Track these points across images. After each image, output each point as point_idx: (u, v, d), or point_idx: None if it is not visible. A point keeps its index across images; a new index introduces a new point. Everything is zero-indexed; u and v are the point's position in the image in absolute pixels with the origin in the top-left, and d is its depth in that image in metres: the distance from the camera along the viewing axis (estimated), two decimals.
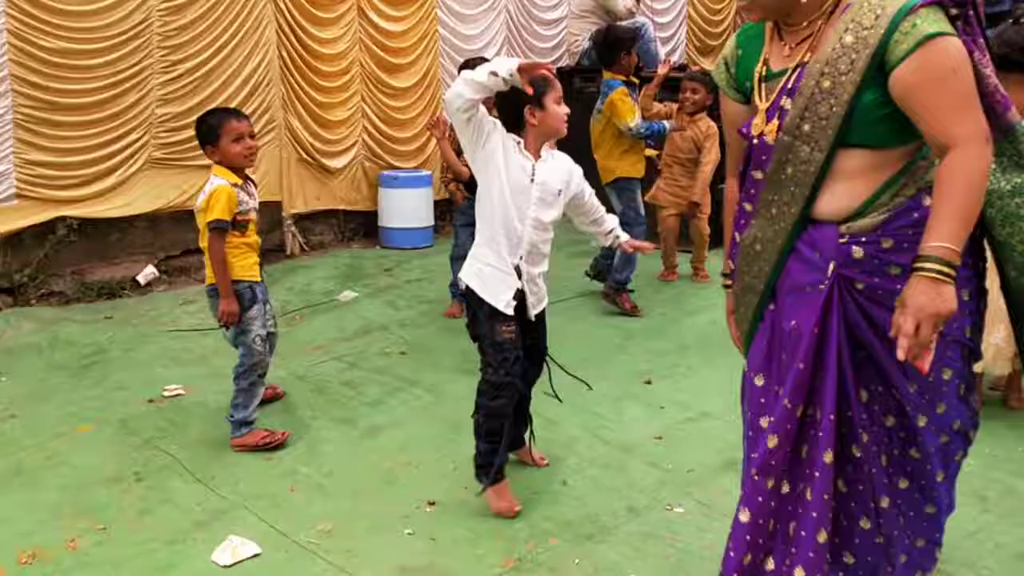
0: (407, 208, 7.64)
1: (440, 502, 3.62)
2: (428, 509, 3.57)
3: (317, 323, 5.82)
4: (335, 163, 7.43)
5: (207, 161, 4.30)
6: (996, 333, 4.11)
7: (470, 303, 3.55)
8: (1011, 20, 4.05)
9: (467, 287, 3.51)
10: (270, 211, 7.15)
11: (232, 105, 6.66)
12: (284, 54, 7.02)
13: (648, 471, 3.86)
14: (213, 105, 6.57)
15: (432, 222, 7.80)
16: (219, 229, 4.02)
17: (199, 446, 4.11)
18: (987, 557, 3.22)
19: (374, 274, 6.87)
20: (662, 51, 8.50)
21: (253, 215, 4.19)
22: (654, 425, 4.29)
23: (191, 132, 6.48)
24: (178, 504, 3.63)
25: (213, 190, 4.03)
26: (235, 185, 4.07)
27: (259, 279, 4.20)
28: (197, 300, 6.28)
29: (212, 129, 4.10)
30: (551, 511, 3.53)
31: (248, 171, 4.26)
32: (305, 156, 7.26)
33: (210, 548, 3.28)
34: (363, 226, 7.89)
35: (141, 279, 6.55)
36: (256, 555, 3.27)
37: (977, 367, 4.14)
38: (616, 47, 5.85)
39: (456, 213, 5.86)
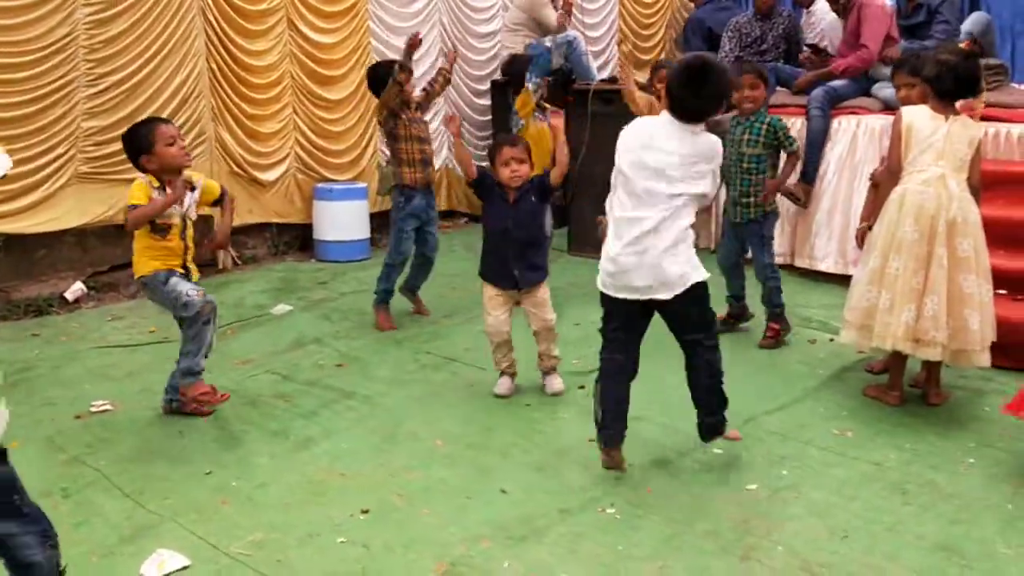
0: (343, 221, 7.61)
1: (373, 510, 3.62)
2: (361, 517, 3.57)
3: (250, 337, 5.77)
4: (267, 176, 7.38)
5: (135, 175, 4.30)
6: (907, 312, 4.24)
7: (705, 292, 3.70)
8: (965, 44, 4.34)
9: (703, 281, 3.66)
10: (202, 225, 7.03)
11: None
12: (213, 66, 6.96)
13: (581, 473, 3.90)
14: (143, 117, 6.51)
15: (368, 235, 7.78)
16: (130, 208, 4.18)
17: (127, 461, 4.05)
18: (908, 549, 3.31)
19: (309, 287, 6.83)
20: (593, 65, 8.59)
21: (176, 220, 4.23)
22: (589, 428, 4.32)
23: (119, 145, 6.43)
24: (106, 519, 3.57)
25: (132, 186, 4.22)
26: (155, 187, 4.21)
27: (177, 271, 4.36)
28: (126, 316, 6.20)
29: (144, 138, 4.15)
30: (485, 515, 3.55)
31: (191, 180, 4.34)
32: (236, 169, 7.21)
33: (138, 562, 3.24)
34: (297, 239, 7.84)
35: (69, 295, 6.44)
36: (185, 567, 3.24)
37: (888, 344, 4.30)
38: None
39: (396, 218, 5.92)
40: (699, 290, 3.67)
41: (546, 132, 6.03)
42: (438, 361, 5.25)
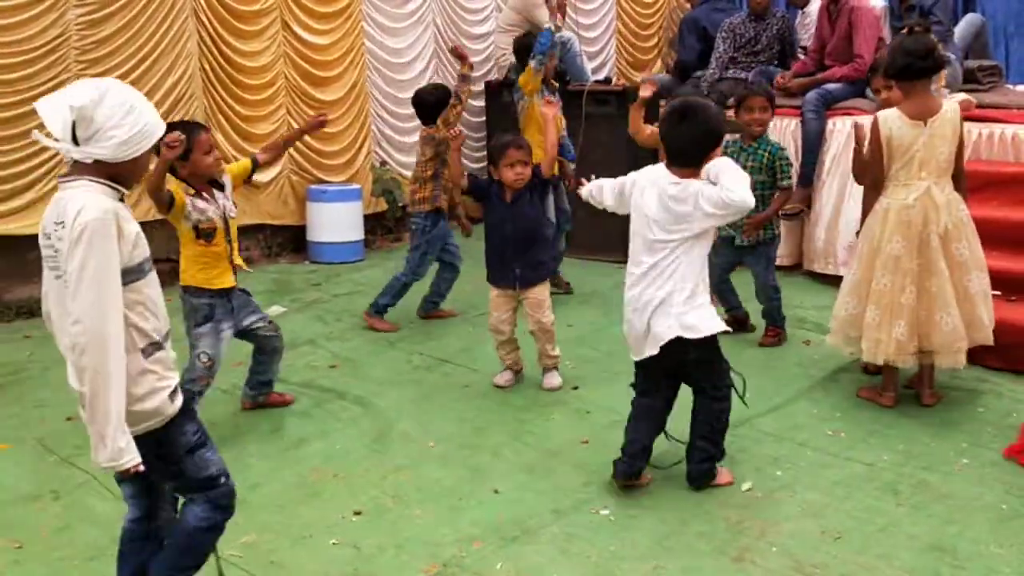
0: (337, 222, 7.58)
1: (366, 511, 3.61)
2: (353, 518, 3.56)
3: None
4: (261, 177, 7.33)
5: None
6: (897, 327, 4.23)
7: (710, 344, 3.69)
8: (905, 30, 4.23)
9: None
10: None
11: None
12: (206, 67, 6.94)
13: (574, 474, 3.89)
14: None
15: (362, 236, 7.76)
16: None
17: None
18: (901, 549, 3.31)
19: (302, 289, 6.81)
20: (588, 66, 8.58)
21: (219, 223, 4.17)
22: (581, 429, 4.33)
23: None
24: (96, 521, 3.56)
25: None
26: (189, 195, 4.10)
27: (227, 287, 4.24)
28: None
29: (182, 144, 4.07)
30: (478, 516, 3.54)
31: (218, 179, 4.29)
32: None
33: None
34: (291, 241, 7.82)
35: None
36: None
37: (881, 359, 4.30)
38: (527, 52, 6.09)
39: (415, 236, 5.85)
40: (705, 343, 3.65)
41: (534, 109, 5.98)
42: (431, 362, 5.24)
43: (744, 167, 5.27)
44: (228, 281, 4.25)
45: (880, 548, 3.31)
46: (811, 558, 3.24)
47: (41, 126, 2.52)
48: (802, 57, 7.39)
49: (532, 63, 5.91)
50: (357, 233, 7.71)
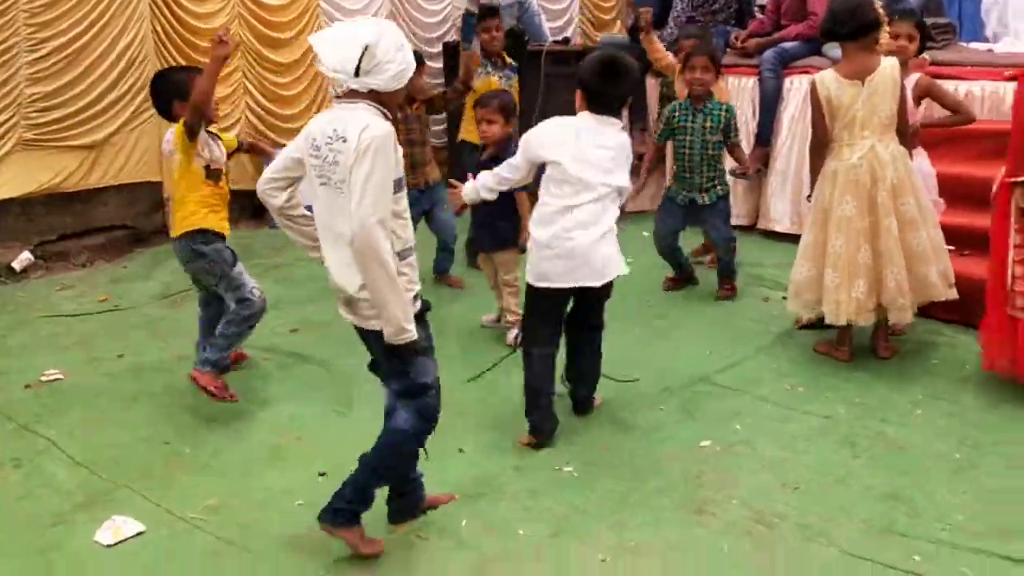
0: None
1: (331, 473, 3.60)
2: (319, 480, 3.57)
3: None
4: None
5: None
6: (856, 287, 4.30)
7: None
8: None
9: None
10: (152, 191, 6.97)
11: (106, 82, 6.49)
12: (159, 29, 6.81)
13: None
14: (88, 82, 6.39)
15: None
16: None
17: (79, 430, 4.01)
18: (858, 500, 3.38)
19: (264, 254, 6.74)
20: (546, 25, 8.51)
21: (224, 167, 4.25)
22: None
23: (65, 111, 6.34)
24: (58, 488, 3.54)
25: (174, 131, 4.08)
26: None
27: (227, 235, 4.32)
28: (76, 285, 6.10)
29: (180, 83, 4.09)
30: (443, 475, 3.56)
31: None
32: None
33: (93, 529, 3.24)
34: (250, 207, 7.73)
35: (16, 265, 6.30)
36: (140, 533, 3.24)
37: (843, 319, 4.37)
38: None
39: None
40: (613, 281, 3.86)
41: (494, 85, 5.97)
42: None
43: (703, 127, 5.35)
44: (228, 228, 4.33)
45: (838, 499, 3.38)
46: (771, 509, 3.31)
47: None
48: (760, 16, 7.40)
49: (464, 49, 5.96)
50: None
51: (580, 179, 3.66)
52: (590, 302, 3.90)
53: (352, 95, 2.89)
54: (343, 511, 3.04)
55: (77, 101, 6.41)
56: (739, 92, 6.92)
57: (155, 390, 4.42)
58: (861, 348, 4.61)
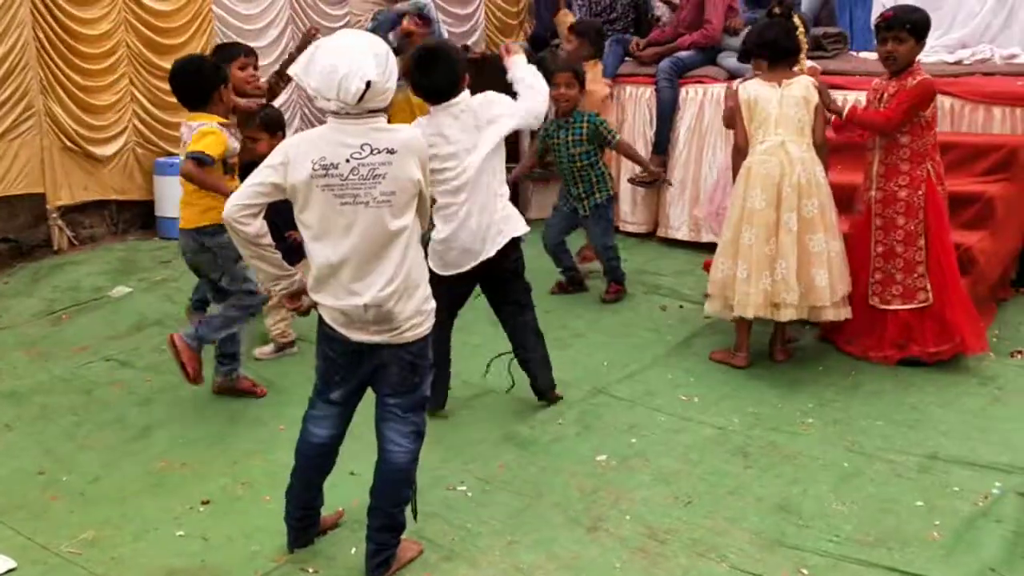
0: None
1: (214, 500, 3.49)
2: (201, 508, 3.44)
3: (85, 322, 5.47)
4: (103, 150, 6.99)
5: None
6: (764, 279, 4.35)
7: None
8: (769, 13, 4.42)
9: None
10: (32, 204, 6.68)
11: None
12: (40, 35, 6.52)
13: (431, 451, 3.80)
14: None
15: None
16: (199, 161, 3.92)
17: None
18: (749, 511, 3.39)
19: (150, 267, 6.51)
20: (445, 32, 8.44)
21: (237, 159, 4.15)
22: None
23: None
24: None
25: (207, 128, 3.97)
26: (223, 127, 4.07)
27: None
28: None
29: (217, 71, 4.13)
30: (332, 499, 3.43)
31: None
32: (69, 144, 6.79)
33: None
34: (139, 217, 7.47)
35: None
36: (11, 570, 3.07)
37: (751, 312, 4.42)
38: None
39: None
40: (517, 243, 3.99)
41: (409, 101, 5.89)
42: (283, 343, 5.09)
43: (567, 141, 5.41)
44: None
45: (729, 511, 3.39)
46: (663, 524, 3.30)
47: None
48: (658, 25, 7.46)
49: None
50: None
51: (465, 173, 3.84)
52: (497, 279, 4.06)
53: (346, 115, 2.81)
54: (392, 549, 3.07)
55: None
56: (637, 101, 6.96)
57: (32, 415, 4.22)
58: (756, 354, 4.64)
